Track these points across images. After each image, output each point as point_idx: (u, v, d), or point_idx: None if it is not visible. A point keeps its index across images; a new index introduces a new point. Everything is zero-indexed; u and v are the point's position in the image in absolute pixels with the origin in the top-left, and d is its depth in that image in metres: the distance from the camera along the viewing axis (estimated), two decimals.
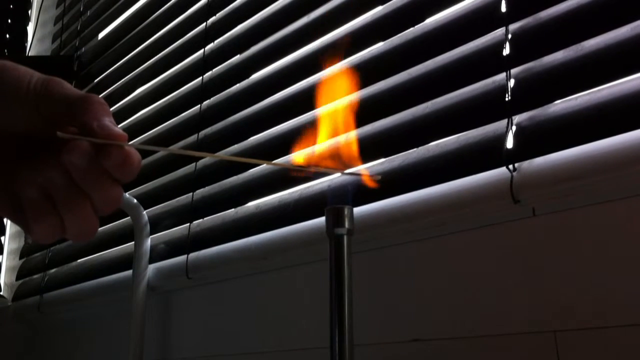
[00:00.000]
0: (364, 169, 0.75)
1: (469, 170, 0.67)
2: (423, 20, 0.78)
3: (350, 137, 0.71)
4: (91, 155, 0.37)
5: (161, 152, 1.17)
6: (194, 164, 1.07)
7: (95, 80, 1.51)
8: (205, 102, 1.10)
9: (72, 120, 0.39)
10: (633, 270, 0.56)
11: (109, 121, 0.38)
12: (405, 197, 0.72)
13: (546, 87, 0.64)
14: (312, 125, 0.87)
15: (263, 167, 0.94)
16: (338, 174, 0.53)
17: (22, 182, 0.39)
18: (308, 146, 0.85)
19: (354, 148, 0.66)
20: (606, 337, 0.56)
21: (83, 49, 1.64)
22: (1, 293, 1.59)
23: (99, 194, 0.39)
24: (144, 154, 1.09)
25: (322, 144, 0.81)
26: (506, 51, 0.67)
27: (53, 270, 1.42)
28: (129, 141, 0.38)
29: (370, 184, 0.53)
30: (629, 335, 0.55)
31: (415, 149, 0.74)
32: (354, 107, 0.80)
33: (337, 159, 0.61)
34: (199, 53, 1.15)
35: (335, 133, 0.79)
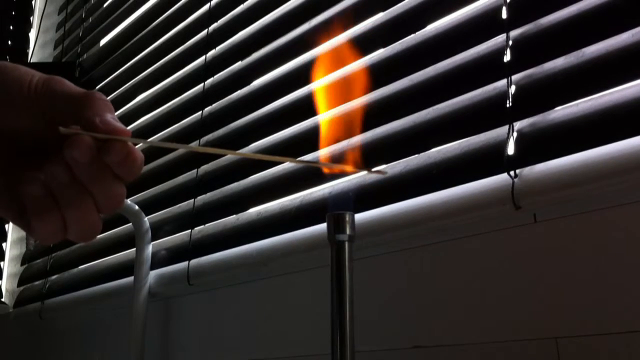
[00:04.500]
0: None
1: (471, 177, 0.67)
2: (424, 26, 0.78)
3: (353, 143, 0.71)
4: (93, 151, 0.37)
5: (162, 159, 1.17)
6: (195, 170, 1.07)
7: (97, 87, 1.51)
8: (207, 109, 1.10)
9: (74, 118, 0.39)
10: (635, 277, 0.56)
11: (111, 117, 0.38)
12: (407, 204, 0.72)
13: (547, 94, 0.64)
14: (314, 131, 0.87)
15: (263, 173, 0.94)
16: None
17: (25, 179, 0.38)
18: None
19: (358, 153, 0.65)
20: (608, 343, 0.56)
21: (85, 55, 1.64)
22: (2, 299, 1.59)
23: (101, 190, 0.38)
24: (146, 160, 1.08)
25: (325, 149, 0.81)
26: (507, 57, 0.67)
27: (54, 277, 1.42)
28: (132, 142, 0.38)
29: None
30: (631, 342, 0.55)
31: (416, 155, 0.74)
32: (356, 113, 0.80)
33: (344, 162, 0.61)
34: (200, 60, 1.16)
35: (337, 138, 0.79)
